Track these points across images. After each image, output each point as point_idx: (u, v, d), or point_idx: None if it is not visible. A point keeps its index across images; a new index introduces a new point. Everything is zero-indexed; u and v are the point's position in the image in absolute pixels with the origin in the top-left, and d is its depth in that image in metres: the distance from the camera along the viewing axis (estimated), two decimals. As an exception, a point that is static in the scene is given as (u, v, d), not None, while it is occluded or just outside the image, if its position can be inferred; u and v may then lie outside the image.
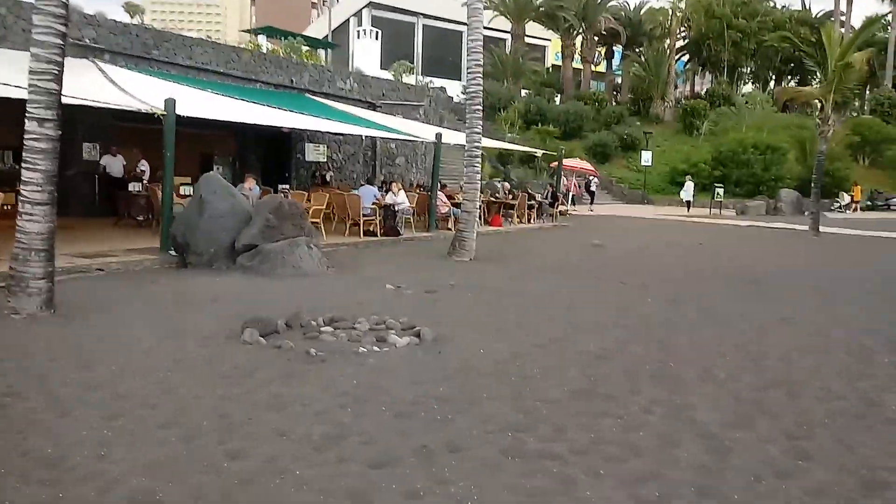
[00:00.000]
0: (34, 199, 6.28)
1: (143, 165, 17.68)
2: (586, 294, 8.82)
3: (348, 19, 52.95)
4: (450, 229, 16.19)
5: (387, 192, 16.12)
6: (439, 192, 17.40)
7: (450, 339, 6.00)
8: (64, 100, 9.55)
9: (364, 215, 14.52)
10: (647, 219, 25.78)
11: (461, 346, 5.73)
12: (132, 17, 18.21)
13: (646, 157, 34.26)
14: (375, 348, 5.55)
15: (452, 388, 4.62)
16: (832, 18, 46.88)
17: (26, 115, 6.23)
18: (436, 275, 10.03)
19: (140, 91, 12.63)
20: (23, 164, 6.27)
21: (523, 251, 13.81)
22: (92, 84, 13.05)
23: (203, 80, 17.94)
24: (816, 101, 52.51)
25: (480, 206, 19.35)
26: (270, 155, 22.70)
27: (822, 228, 18.87)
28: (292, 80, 21.83)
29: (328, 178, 21.36)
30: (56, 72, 6.28)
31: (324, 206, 13.67)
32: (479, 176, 12.16)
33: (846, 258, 14.29)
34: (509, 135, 36.65)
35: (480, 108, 12.14)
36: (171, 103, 10.58)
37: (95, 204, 17.33)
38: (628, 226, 22.28)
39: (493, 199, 20.32)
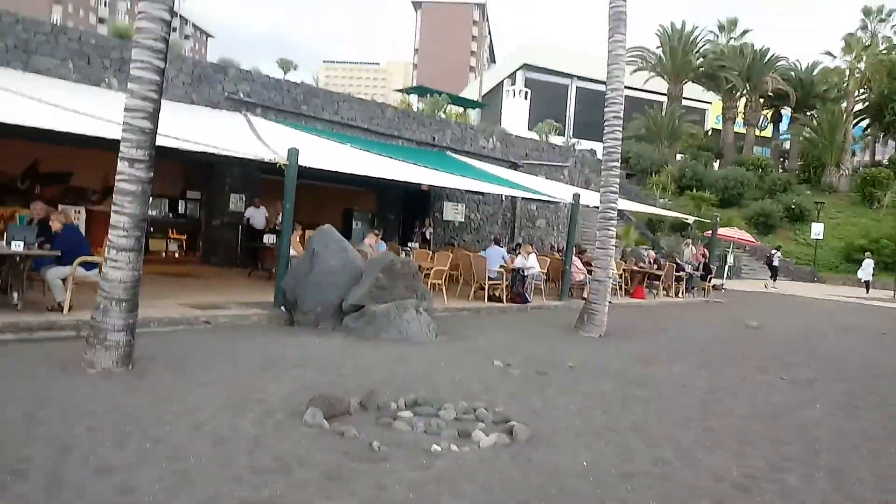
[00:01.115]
0: (119, 244, 6.00)
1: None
2: (732, 389, 7.29)
3: (502, 81, 53.67)
4: (584, 299, 14.91)
5: (517, 254, 15.22)
6: (575, 258, 16.22)
7: (548, 439, 4.89)
8: (184, 145, 9.75)
9: (489, 279, 13.67)
10: (816, 298, 22.84)
11: (559, 453, 4.60)
12: (285, 73, 18.97)
13: (816, 230, 30.92)
14: (454, 447, 4.56)
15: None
16: None
17: (119, 154, 6.01)
18: (555, 352, 8.89)
19: (280, 143, 12.81)
20: (112, 207, 6.03)
21: (663, 329, 12.26)
22: (234, 135, 13.40)
23: (347, 136, 18.24)
24: None
25: (622, 276, 17.98)
26: (409, 212, 22.69)
27: None
28: (434, 138, 21.81)
29: (427, 236, 20.63)
30: (151, 110, 6.04)
31: (447, 268, 12.99)
32: (613, 241, 10.95)
33: None
34: (661, 200, 34.70)
35: (618, 164, 11.02)
36: (293, 153, 10.43)
37: (238, 254, 17.90)
38: (793, 305, 19.73)
39: (636, 268, 18.77)
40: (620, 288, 17.76)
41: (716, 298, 19.76)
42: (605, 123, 10.97)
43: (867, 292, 26.46)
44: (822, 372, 8.65)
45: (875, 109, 46.03)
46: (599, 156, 44.31)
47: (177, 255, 18.32)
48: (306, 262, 9.69)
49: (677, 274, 18.99)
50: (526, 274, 14.35)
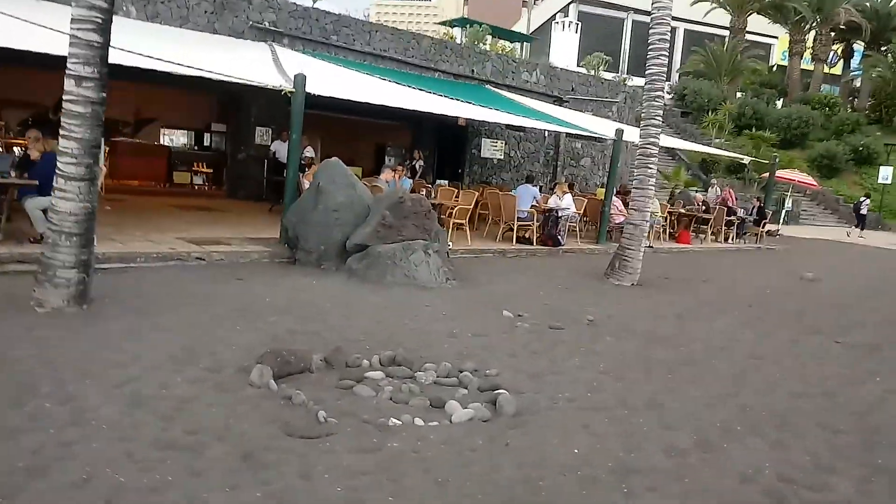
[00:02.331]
0: (68, 173, 5.26)
1: (309, 152, 17.23)
2: (778, 354, 6.27)
3: (555, 15, 51.02)
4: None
5: (553, 193, 14.15)
6: (616, 199, 15.02)
7: (540, 416, 4.03)
8: (188, 72, 8.94)
9: (519, 219, 12.68)
10: (881, 248, 21.12)
11: (548, 435, 3.73)
12: (314, 1, 17.84)
13: (885, 174, 28.62)
14: (418, 420, 3.74)
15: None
16: None
17: (66, 71, 5.20)
18: (578, 302, 7.96)
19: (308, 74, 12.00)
20: (60, 132, 5.27)
21: (707, 279, 11.14)
22: (251, 64, 12.54)
23: (379, 67, 17.19)
24: None
25: (667, 218, 16.74)
26: (445, 149, 21.62)
27: None
28: (473, 70, 20.49)
29: (417, 168, 19.04)
30: (99, 20, 5.19)
31: (471, 206, 12.03)
32: (653, 181, 9.78)
33: None
34: (717, 140, 32.65)
35: (661, 94, 9.77)
36: (300, 80, 9.53)
37: (263, 189, 17.28)
38: (856, 256, 18.18)
39: (682, 210, 17.45)
40: (665, 231, 16.55)
41: (770, 245, 18.33)
42: (650, 47, 9.67)
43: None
44: (886, 336, 7.52)
45: (961, 44, 42.17)
46: (654, 93, 42.28)
47: (202, 187, 17.80)
48: (311, 197, 8.87)
49: (728, 218, 17.60)
50: (560, 215, 13.31)
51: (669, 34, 9.68)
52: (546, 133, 22.53)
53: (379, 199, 8.90)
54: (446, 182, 15.92)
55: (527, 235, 12.89)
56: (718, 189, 21.07)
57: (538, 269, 10.64)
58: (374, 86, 13.64)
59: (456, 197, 12.65)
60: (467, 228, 11.98)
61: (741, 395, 4.86)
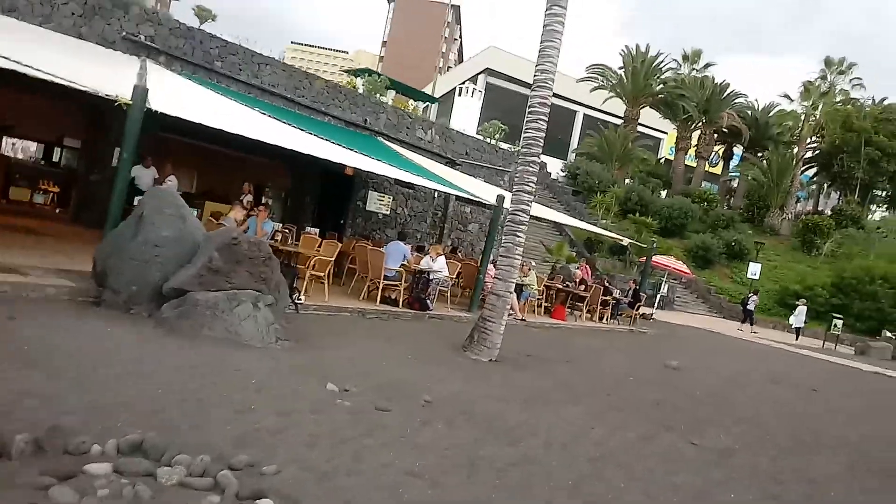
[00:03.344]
0: None
1: (171, 180, 15.78)
2: (626, 455, 5.57)
3: (464, 82, 51.92)
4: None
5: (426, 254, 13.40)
6: (491, 266, 14.45)
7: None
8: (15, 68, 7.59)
9: (386, 277, 11.79)
10: (746, 340, 21.71)
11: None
12: (201, 23, 16.69)
13: (753, 270, 30.07)
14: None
15: None
16: None
17: None
18: (425, 377, 7.06)
19: (166, 95, 10.79)
20: None
21: (572, 358, 10.58)
22: (114, 75, 11.20)
23: (264, 102, 16.14)
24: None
25: (542, 292, 16.36)
26: (329, 197, 20.62)
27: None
28: (366, 120, 19.81)
29: (245, 204, 16.95)
30: None
31: (332, 258, 11.03)
32: (519, 250, 9.18)
33: None
34: (603, 221, 33.48)
35: (536, 160, 9.29)
36: (140, 93, 8.38)
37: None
38: (722, 345, 18.45)
39: (560, 286, 17.17)
40: (540, 305, 16.13)
41: (642, 328, 18.34)
42: (528, 110, 9.24)
43: (797, 339, 25.62)
44: (743, 438, 7.04)
45: (824, 158, 46.10)
46: (549, 169, 43.33)
47: (44, 207, 15.87)
48: (130, 227, 7.61)
49: (604, 297, 17.47)
50: (431, 277, 12.55)
51: (550, 100, 9.27)
52: (435, 193, 22.06)
53: (209, 237, 7.74)
54: (317, 230, 14.88)
55: (393, 296, 12.00)
56: (577, 269, 21.11)
57: (396, 334, 9.72)
58: (251, 119, 12.57)
59: (319, 247, 11.62)
60: (326, 283, 10.94)
61: (574, 511, 4.04)
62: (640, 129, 47.35)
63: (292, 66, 19.58)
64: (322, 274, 10.84)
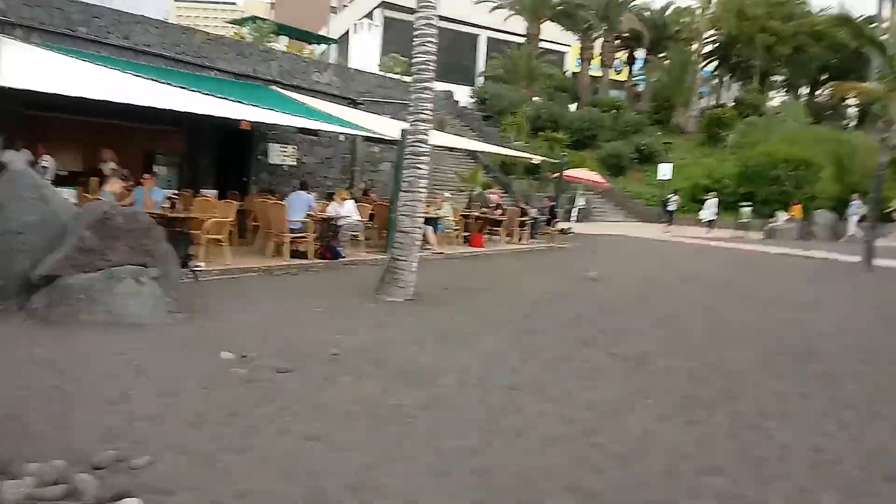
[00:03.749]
0: None
1: (46, 161, 14.55)
2: (541, 382, 5.44)
3: (361, 19, 49.95)
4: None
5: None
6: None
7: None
8: None
9: (291, 230, 11.26)
10: (663, 241, 22.25)
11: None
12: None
13: (664, 171, 30.65)
14: None
15: None
16: (873, 24, 42.94)
17: None
18: (334, 329, 6.73)
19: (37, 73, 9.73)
20: None
21: (491, 286, 10.44)
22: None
23: (142, 65, 14.90)
24: (855, 110, 48.68)
25: (458, 222, 16.15)
26: (228, 155, 19.57)
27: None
28: (256, 70, 18.68)
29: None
30: None
31: (229, 218, 10.41)
32: (423, 182, 8.82)
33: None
34: (516, 142, 33.32)
35: (431, 86, 8.85)
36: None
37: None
38: (639, 250, 18.79)
39: (476, 213, 16.99)
40: (458, 236, 15.93)
41: (562, 244, 18.46)
42: (415, 32, 8.74)
43: (710, 232, 26.44)
44: (660, 341, 7.05)
45: (723, 51, 47.03)
46: (457, 97, 42.63)
47: None
48: (-16, 216, 6.84)
49: (521, 219, 17.42)
50: (340, 224, 12.10)
51: (436, 19, 8.78)
52: (341, 137, 21.28)
53: (79, 215, 7.06)
54: (215, 192, 14.08)
55: (301, 249, 11.51)
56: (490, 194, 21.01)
57: (305, 288, 9.31)
58: (123, 84, 11.53)
59: (214, 208, 10.94)
60: (227, 245, 10.34)
61: (486, 452, 3.84)
62: (543, 45, 46.91)
63: (166, 21, 18.18)
64: (221, 236, 10.22)
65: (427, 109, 8.79)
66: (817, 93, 51.89)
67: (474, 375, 5.34)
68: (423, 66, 8.72)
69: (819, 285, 12.89)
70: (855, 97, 36.50)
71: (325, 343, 6.03)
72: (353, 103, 21.40)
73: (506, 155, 27.03)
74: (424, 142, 8.77)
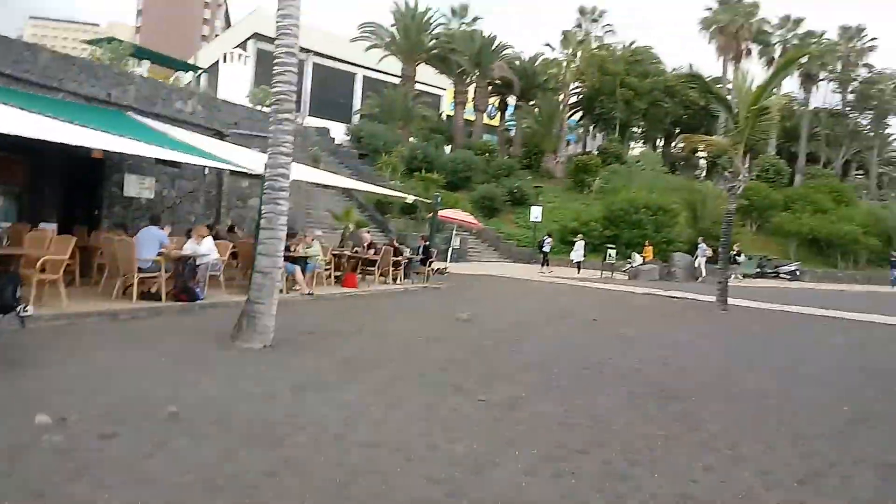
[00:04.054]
0: None
1: None
2: (402, 436, 5.05)
3: (234, 49, 48.59)
4: (280, 290, 12.21)
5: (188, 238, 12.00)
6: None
7: None
8: None
9: (141, 270, 10.30)
10: (536, 281, 22.69)
11: None
12: None
13: (535, 213, 31.62)
14: None
15: None
16: (719, 85, 47.09)
17: None
18: (175, 382, 6.01)
19: None
20: None
21: (359, 328, 9.98)
22: None
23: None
24: (705, 161, 52.82)
25: (330, 262, 15.58)
26: (77, 186, 17.97)
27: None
28: (110, 94, 17.37)
29: None
30: None
31: (66, 256, 9.33)
32: (283, 219, 8.29)
33: (780, 343, 11.39)
34: (391, 181, 33.24)
35: (291, 117, 8.40)
36: None
37: None
38: (511, 289, 19.01)
39: (349, 253, 16.50)
40: (330, 276, 15.36)
41: (437, 284, 18.30)
42: (275, 61, 8.28)
43: (578, 272, 27.39)
44: (531, 385, 6.88)
45: (587, 102, 49.75)
46: (333, 134, 42.17)
47: None
48: None
49: (395, 258, 17.11)
50: (198, 263, 11.23)
51: (297, 48, 8.38)
52: (206, 170, 20.19)
53: None
54: (54, 226, 12.76)
55: (153, 290, 10.55)
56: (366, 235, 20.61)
57: (152, 334, 8.43)
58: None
59: (48, 246, 9.79)
60: (61, 286, 9.24)
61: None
62: (418, 86, 47.64)
63: (6, 37, 16.58)
64: (56, 277, 9.13)
65: (287, 142, 8.33)
66: (672, 144, 55.98)
67: (331, 432, 4.86)
68: (283, 97, 8.28)
69: (680, 324, 13.44)
70: (704, 150, 39.49)
71: (165, 399, 5.34)
72: (219, 135, 20.44)
73: (381, 194, 26.77)
74: (285, 176, 8.29)
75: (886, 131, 59.81)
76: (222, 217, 21.20)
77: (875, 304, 19.54)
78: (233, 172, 19.68)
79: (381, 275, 17.00)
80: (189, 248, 11.42)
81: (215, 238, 13.38)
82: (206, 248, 11.50)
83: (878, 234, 37.86)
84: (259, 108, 24.57)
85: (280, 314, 8.40)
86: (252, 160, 16.44)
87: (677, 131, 53.33)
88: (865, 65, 55.79)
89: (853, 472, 4.73)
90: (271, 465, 4.15)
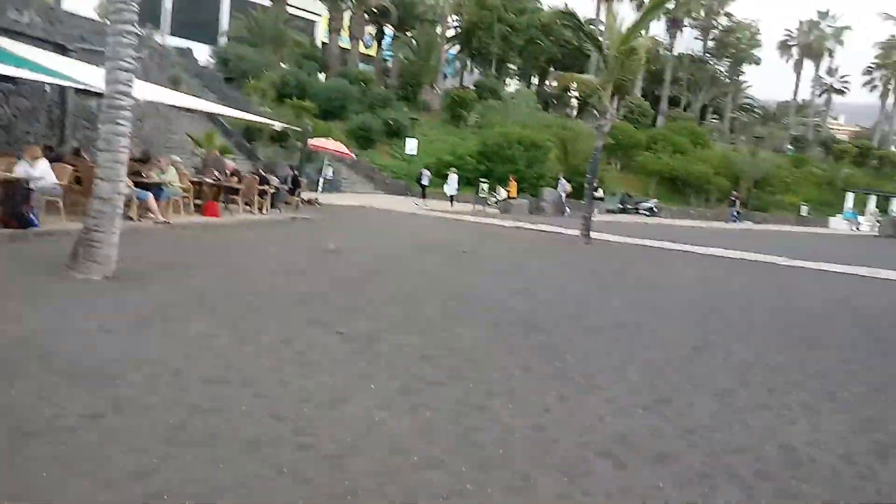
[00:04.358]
0: None
1: None
2: (252, 371, 4.75)
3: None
4: (130, 218, 11.28)
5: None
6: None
7: None
8: None
9: (-40, 194, 9.10)
10: (406, 213, 22.55)
11: None
12: None
13: (411, 146, 31.22)
14: None
15: None
16: (593, 26, 48.02)
17: None
18: (3, 312, 5.35)
19: None
20: None
21: (219, 259, 9.42)
22: None
23: None
24: (577, 101, 54.22)
25: (188, 189, 14.60)
26: None
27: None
28: (-77, 1, 15.02)
29: None
30: None
31: None
32: (125, 141, 7.50)
33: (637, 276, 11.94)
34: (261, 108, 31.55)
35: (131, 30, 7.51)
36: None
37: None
38: (383, 221, 18.77)
39: (209, 180, 15.50)
40: (189, 204, 14.41)
41: (306, 215, 17.70)
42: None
43: (451, 206, 27.52)
44: (392, 318, 6.73)
45: (465, 36, 49.23)
46: (197, 56, 39.29)
47: None
48: None
49: (261, 187, 16.31)
50: (32, 187, 10.09)
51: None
52: (46, 87, 18.15)
53: None
54: None
55: (-24, 217, 9.38)
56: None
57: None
58: None
59: None
60: None
61: (161, 472, 3.07)
62: (292, 11, 45.18)
63: None
64: None
65: (128, 57, 7.47)
66: (546, 83, 56.86)
67: (171, 369, 4.48)
68: (123, 6, 7.38)
69: (545, 257, 13.78)
70: (575, 88, 40.30)
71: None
72: (61, 49, 18.39)
73: (248, 120, 25.36)
74: (126, 94, 7.46)
75: (741, 78, 64.00)
76: (67, 139, 19.29)
77: (720, 239, 21.03)
78: (79, 91, 17.87)
79: (246, 204, 16.19)
80: (21, 170, 10.22)
81: (58, 161, 12.11)
82: (40, 171, 10.34)
83: (728, 176, 40.78)
84: (108, 21, 22.24)
85: (128, 244, 7.74)
86: (100, 78, 14.90)
87: (552, 69, 54.23)
88: (726, 14, 58.87)
89: (694, 398, 4.97)
90: (97, 406, 3.74)
